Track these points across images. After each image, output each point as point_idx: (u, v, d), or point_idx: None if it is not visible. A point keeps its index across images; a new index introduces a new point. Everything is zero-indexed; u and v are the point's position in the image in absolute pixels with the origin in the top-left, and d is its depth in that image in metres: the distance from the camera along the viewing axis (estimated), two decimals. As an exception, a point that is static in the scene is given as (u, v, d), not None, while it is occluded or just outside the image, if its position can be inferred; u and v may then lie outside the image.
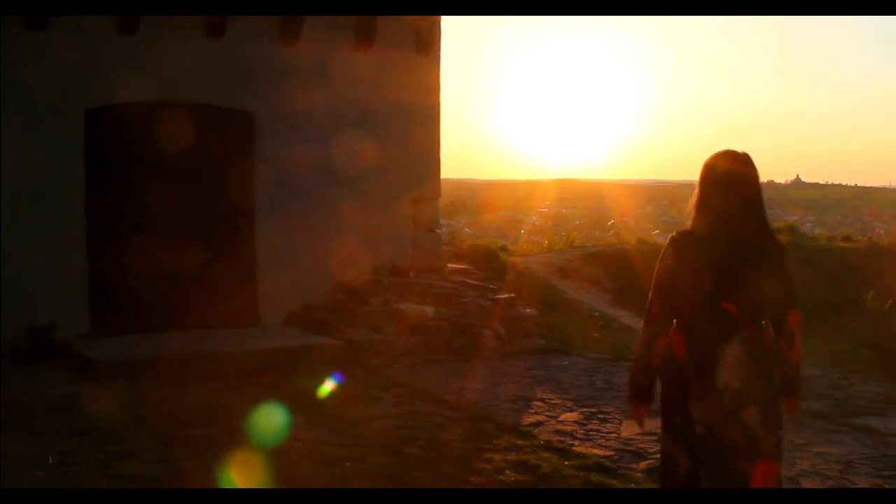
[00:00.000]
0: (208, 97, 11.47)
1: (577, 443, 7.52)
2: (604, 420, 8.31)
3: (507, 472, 6.61)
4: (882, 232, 20.34)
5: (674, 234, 4.48)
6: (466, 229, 32.93)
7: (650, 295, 4.45)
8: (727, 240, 4.28)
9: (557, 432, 7.83)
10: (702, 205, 4.34)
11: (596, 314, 14.38)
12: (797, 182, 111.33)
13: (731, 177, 4.28)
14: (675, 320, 4.41)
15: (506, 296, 12.64)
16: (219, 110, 11.60)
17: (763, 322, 4.36)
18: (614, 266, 16.37)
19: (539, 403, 8.93)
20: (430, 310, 11.70)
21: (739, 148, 4.45)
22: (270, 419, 6.07)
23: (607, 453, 7.22)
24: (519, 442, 7.40)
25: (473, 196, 66.43)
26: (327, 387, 6.99)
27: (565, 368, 10.81)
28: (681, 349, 4.37)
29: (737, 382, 4.25)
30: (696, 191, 4.37)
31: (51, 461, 6.48)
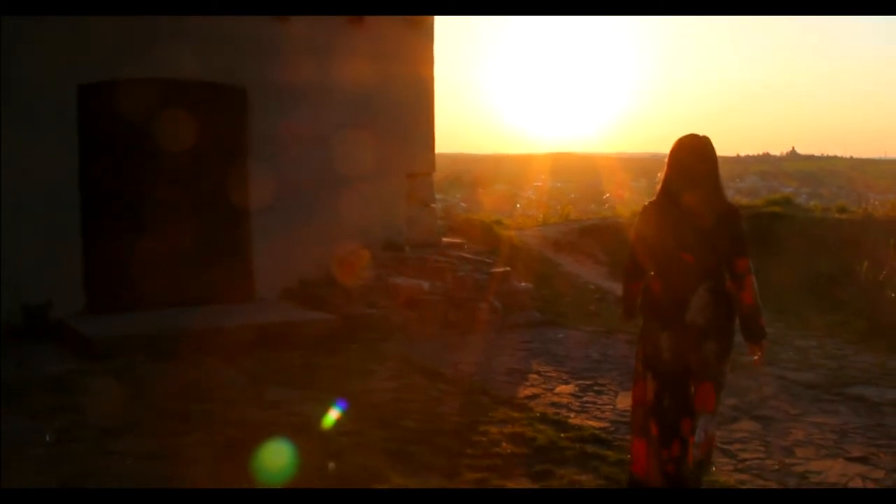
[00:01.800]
0: (202, 73, 11.43)
1: (572, 415, 7.55)
2: (599, 392, 8.34)
3: (504, 444, 6.64)
4: (876, 203, 20.31)
5: (645, 203, 5.55)
6: (462, 204, 32.81)
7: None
8: (679, 210, 5.26)
9: (553, 404, 7.86)
10: (663, 182, 5.40)
11: (591, 287, 14.37)
12: (792, 154, 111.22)
13: (682, 162, 5.28)
14: (652, 271, 5.46)
15: (501, 269, 12.62)
16: (212, 86, 11.56)
17: (725, 274, 5.28)
18: (609, 239, 16.32)
19: (535, 376, 8.95)
20: (425, 284, 11.69)
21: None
22: (278, 455, 6.11)
23: (603, 425, 7.25)
24: (515, 414, 7.43)
25: (468, 171, 66.26)
26: (332, 415, 7.01)
27: (561, 341, 10.84)
28: (658, 290, 5.40)
29: (702, 321, 5.22)
30: (663, 170, 5.41)
31: (48, 439, 6.50)
